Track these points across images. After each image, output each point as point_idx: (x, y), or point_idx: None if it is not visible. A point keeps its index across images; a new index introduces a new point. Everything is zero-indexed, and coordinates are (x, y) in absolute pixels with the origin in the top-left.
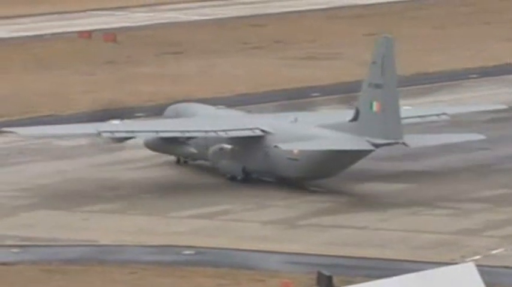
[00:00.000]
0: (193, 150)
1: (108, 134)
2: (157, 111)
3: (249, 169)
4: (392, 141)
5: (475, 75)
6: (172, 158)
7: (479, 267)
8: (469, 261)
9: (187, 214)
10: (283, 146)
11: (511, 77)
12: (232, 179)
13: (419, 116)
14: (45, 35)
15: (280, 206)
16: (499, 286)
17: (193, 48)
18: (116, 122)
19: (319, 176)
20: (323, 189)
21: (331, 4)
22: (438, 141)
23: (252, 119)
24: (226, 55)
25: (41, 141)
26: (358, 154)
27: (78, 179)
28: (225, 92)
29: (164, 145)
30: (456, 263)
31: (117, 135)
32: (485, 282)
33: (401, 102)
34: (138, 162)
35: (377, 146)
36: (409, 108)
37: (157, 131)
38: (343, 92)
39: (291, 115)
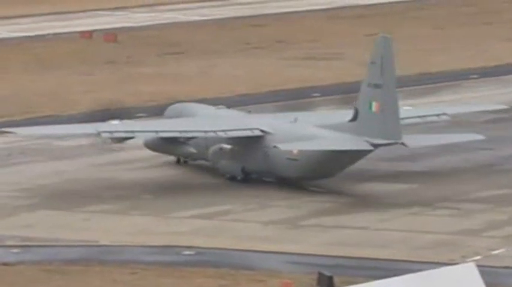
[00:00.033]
0: (193, 150)
1: (108, 134)
2: (157, 111)
3: (248, 169)
4: (392, 141)
5: (476, 76)
6: (172, 158)
7: (480, 267)
8: (469, 261)
9: (187, 214)
10: (282, 146)
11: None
12: (232, 179)
13: (419, 116)
14: (46, 35)
15: (281, 207)
16: (499, 286)
17: (194, 49)
18: (115, 122)
19: (318, 177)
20: (322, 189)
21: (332, 4)
22: (437, 141)
23: (251, 119)
24: (227, 55)
25: (42, 141)
26: (357, 154)
27: (79, 179)
28: (226, 92)
29: (164, 145)
30: (457, 264)
31: (117, 135)
32: (486, 282)
33: (403, 102)
34: (138, 162)
35: (376, 146)
36: (409, 109)
37: (156, 131)
38: (344, 92)
39: (291, 115)
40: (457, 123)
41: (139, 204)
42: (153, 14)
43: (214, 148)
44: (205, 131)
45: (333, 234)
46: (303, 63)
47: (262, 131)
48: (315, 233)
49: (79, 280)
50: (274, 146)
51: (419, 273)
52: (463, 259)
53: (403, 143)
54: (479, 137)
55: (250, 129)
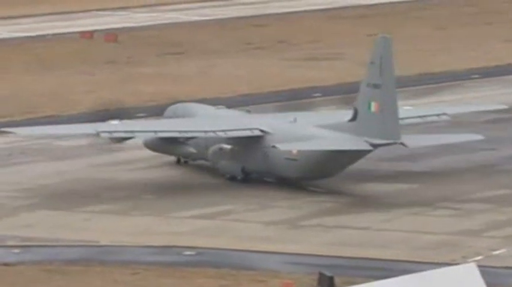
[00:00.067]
0: (192, 150)
1: (107, 134)
2: (158, 111)
3: (248, 169)
4: (391, 141)
5: (477, 76)
6: (173, 158)
7: (481, 268)
8: (470, 262)
9: (188, 214)
10: (281, 146)
11: None
12: (232, 179)
13: (419, 116)
14: (47, 35)
15: (282, 207)
16: (500, 286)
17: (195, 49)
18: (114, 122)
19: (318, 177)
20: (322, 189)
21: (334, 4)
22: (437, 141)
23: (251, 119)
24: (228, 55)
25: (42, 141)
26: (357, 154)
27: (79, 179)
28: (227, 92)
29: (164, 145)
30: (458, 264)
31: (116, 135)
32: (487, 283)
33: (405, 102)
34: (138, 162)
35: (375, 146)
36: (409, 109)
37: (156, 131)
38: (346, 92)
39: (290, 115)
40: (458, 123)
41: (139, 204)
42: (154, 14)
43: (214, 148)
44: (205, 131)
45: (334, 234)
46: (304, 63)
47: (261, 131)
48: (316, 234)
49: (79, 280)
50: (273, 146)
51: (420, 273)
52: (464, 259)
53: (402, 143)
54: (479, 137)
55: (250, 129)
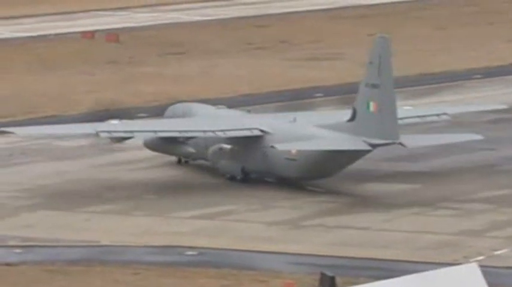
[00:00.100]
0: (192, 150)
1: (106, 134)
2: (159, 111)
3: (248, 169)
4: (389, 141)
5: (479, 76)
6: (173, 158)
7: (483, 268)
8: (472, 262)
9: (189, 214)
10: (280, 146)
11: None
12: (232, 179)
13: (419, 116)
14: (49, 35)
15: (284, 207)
16: (502, 286)
17: (196, 49)
18: (114, 122)
19: (317, 176)
20: (322, 189)
21: (335, 4)
22: (436, 141)
23: (251, 119)
24: (229, 55)
25: (43, 141)
26: (356, 154)
27: (80, 179)
28: (229, 92)
29: (164, 145)
30: (459, 264)
31: (116, 135)
32: (489, 283)
33: (405, 102)
34: (139, 162)
35: (374, 146)
36: (409, 109)
37: (156, 131)
38: (347, 92)
39: (290, 115)
40: (458, 123)
41: (141, 204)
42: (155, 14)
43: (214, 148)
44: (204, 131)
45: (335, 234)
46: (305, 63)
47: (261, 131)
48: (317, 234)
49: (81, 280)
50: (272, 146)
51: (421, 273)
52: (466, 259)
53: (400, 143)
54: (478, 137)
55: (250, 129)
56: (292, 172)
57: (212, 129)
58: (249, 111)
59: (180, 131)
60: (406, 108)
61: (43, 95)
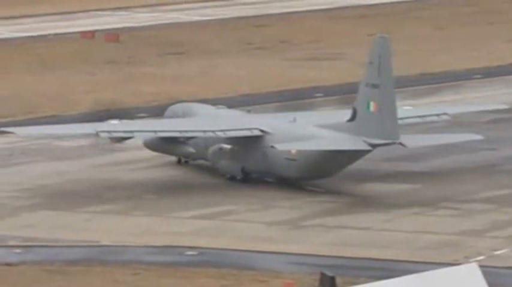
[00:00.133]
0: (192, 150)
1: (106, 134)
2: (159, 111)
3: (248, 169)
4: (389, 141)
5: (479, 76)
6: (173, 158)
7: (483, 268)
8: (472, 262)
9: (189, 214)
10: (279, 146)
11: None
12: (232, 179)
13: (419, 116)
14: (48, 35)
15: (284, 207)
16: (502, 286)
17: (196, 49)
18: (114, 121)
19: (317, 176)
20: (322, 189)
21: (335, 4)
22: (436, 141)
23: (251, 119)
24: (229, 55)
25: (43, 141)
26: (355, 154)
27: (80, 179)
28: (228, 92)
29: (163, 144)
30: (459, 264)
31: (115, 135)
32: (489, 283)
33: (405, 102)
34: (139, 162)
35: (374, 146)
36: (409, 109)
37: (155, 131)
38: (347, 92)
39: (290, 115)
40: (458, 123)
41: (140, 204)
42: (155, 14)
43: (214, 148)
44: (204, 131)
45: (335, 234)
46: (305, 63)
47: (261, 131)
48: (317, 234)
49: (80, 280)
50: (272, 146)
51: (422, 273)
52: (466, 259)
53: (400, 143)
54: (478, 137)
55: (249, 129)
56: (292, 172)
57: (212, 129)
58: (249, 111)
59: (180, 131)
60: (406, 108)
61: (43, 95)
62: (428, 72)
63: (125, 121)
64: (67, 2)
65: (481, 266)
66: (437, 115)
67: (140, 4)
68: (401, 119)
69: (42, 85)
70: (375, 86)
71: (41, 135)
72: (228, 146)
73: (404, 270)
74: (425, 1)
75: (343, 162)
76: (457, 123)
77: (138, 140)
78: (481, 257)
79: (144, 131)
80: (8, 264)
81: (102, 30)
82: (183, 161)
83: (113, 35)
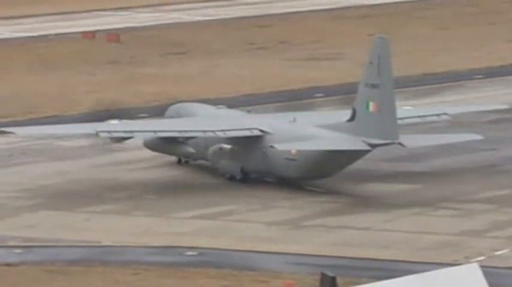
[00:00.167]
0: (192, 150)
1: (106, 134)
2: (160, 111)
3: (247, 169)
4: (389, 141)
5: (480, 76)
6: (174, 158)
7: (484, 268)
8: (473, 262)
9: (189, 214)
10: (279, 146)
11: None
12: (231, 179)
13: (419, 116)
14: (49, 35)
15: (284, 207)
16: None
17: (197, 49)
18: (114, 121)
19: (317, 176)
20: (322, 189)
21: (337, 4)
22: (435, 141)
23: (251, 119)
24: (231, 56)
25: (43, 142)
26: (355, 154)
27: (80, 179)
28: (230, 92)
29: (163, 144)
30: (460, 264)
31: (115, 135)
32: (490, 283)
33: (407, 102)
34: (139, 162)
35: (373, 146)
36: (409, 109)
37: (155, 131)
38: (347, 92)
39: (290, 115)
40: (459, 123)
41: (141, 204)
42: (156, 14)
43: (214, 148)
44: (204, 131)
45: (336, 235)
46: (306, 63)
47: (261, 131)
48: (318, 234)
49: (81, 280)
50: (271, 146)
51: (422, 274)
52: (467, 259)
53: (400, 143)
54: (478, 137)
55: (249, 129)
56: (292, 172)
57: (212, 129)
58: (249, 111)
59: (179, 131)
60: (407, 109)
61: (43, 95)
62: (430, 72)
63: (124, 121)
64: (68, 2)
65: (481, 267)
66: (437, 115)
67: (141, 4)
68: (401, 119)
69: (42, 85)
70: (374, 86)
71: (42, 136)
72: (228, 146)
73: (404, 270)
74: (428, 1)
75: (342, 162)
76: (457, 123)
77: (138, 140)
78: (482, 258)
79: (144, 131)
80: (8, 264)
81: (103, 31)
82: (183, 161)
83: (114, 35)
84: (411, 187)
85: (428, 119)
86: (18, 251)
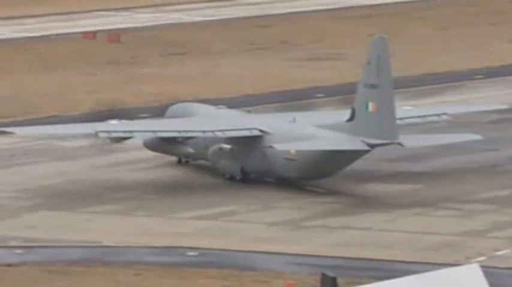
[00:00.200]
0: (192, 150)
1: (105, 134)
2: (160, 112)
3: (247, 169)
4: (388, 141)
5: (481, 76)
6: (174, 158)
7: (484, 268)
8: (473, 262)
9: (190, 215)
10: (278, 147)
11: None
12: (231, 179)
13: (419, 116)
14: (50, 35)
15: (285, 208)
16: None
17: (198, 49)
18: (114, 121)
19: (316, 177)
20: (322, 189)
21: (338, 4)
22: (435, 141)
23: (251, 119)
24: (231, 56)
25: (45, 142)
26: (354, 154)
27: (81, 180)
28: (231, 92)
29: (163, 145)
30: (461, 265)
31: (115, 135)
32: (490, 283)
33: (407, 102)
34: (139, 163)
35: (372, 146)
36: (409, 109)
37: (155, 131)
38: (348, 93)
39: (290, 115)
40: (459, 123)
41: (142, 205)
42: (157, 15)
43: (213, 148)
44: (204, 131)
45: (337, 235)
46: (307, 63)
47: (261, 131)
48: (319, 234)
49: (82, 280)
50: (270, 146)
51: (423, 274)
52: (467, 260)
53: (399, 143)
54: (478, 137)
55: (249, 129)
56: (292, 172)
57: (212, 129)
58: (249, 111)
59: (179, 131)
60: (407, 109)
61: (44, 95)
62: (431, 72)
63: (124, 121)
64: (68, 2)
65: (482, 267)
66: (437, 115)
67: (142, 4)
68: (401, 119)
69: (43, 85)
70: (373, 86)
71: (43, 136)
72: (228, 146)
73: (405, 270)
74: (429, 1)
75: (342, 162)
76: (458, 123)
77: (138, 140)
78: (482, 258)
79: (144, 131)
80: (9, 265)
81: (103, 31)
82: (183, 161)
83: (115, 36)
84: (412, 187)
85: (429, 119)
86: (18, 251)
